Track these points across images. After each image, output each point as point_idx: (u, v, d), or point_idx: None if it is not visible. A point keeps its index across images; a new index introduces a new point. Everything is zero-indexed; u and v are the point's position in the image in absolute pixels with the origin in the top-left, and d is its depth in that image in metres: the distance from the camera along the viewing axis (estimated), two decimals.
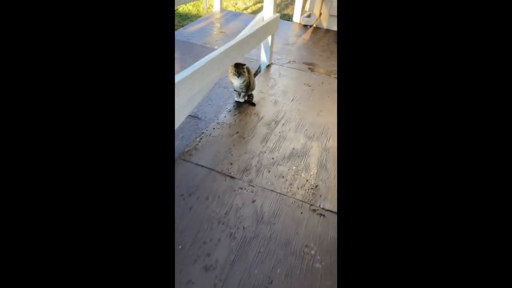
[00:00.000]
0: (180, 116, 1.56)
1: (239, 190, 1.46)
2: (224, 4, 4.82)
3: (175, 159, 1.61)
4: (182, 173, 1.52)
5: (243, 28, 2.45)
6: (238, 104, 2.08)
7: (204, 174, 1.53)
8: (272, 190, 1.47)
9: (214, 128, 1.85)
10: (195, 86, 1.53)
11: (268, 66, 2.63)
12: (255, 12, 4.78)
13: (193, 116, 2.10)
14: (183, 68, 1.52)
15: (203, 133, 1.81)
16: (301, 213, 1.38)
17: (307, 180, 1.54)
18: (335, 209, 1.41)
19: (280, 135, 1.83)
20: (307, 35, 3.39)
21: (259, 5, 5.13)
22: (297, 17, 3.66)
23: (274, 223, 1.32)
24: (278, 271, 1.15)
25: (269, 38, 2.48)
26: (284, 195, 1.45)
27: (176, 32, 3.29)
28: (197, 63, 1.57)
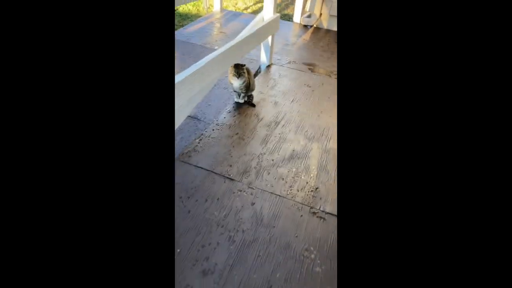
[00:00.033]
0: (179, 117, 1.54)
1: (239, 193, 1.44)
2: (224, 4, 4.81)
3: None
4: (180, 175, 1.51)
5: (243, 28, 2.43)
6: (238, 105, 2.07)
7: (203, 176, 1.51)
8: (271, 193, 1.46)
9: (213, 129, 1.84)
10: (194, 87, 1.51)
11: (268, 66, 2.61)
12: (255, 12, 4.76)
13: (192, 117, 2.09)
14: (183, 68, 1.50)
15: (202, 134, 1.80)
16: (301, 216, 1.36)
17: (307, 182, 1.53)
18: (336, 212, 1.39)
19: (280, 137, 1.82)
20: (308, 35, 3.38)
21: (259, 5, 5.11)
22: (297, 17, 3.64)
23: (274, 226, 1.30)
24: (277, 275, 1.13)
25: (269, 38, 2.47)
26: (283, 197, 1.44)
27: (176, 32, 3.27)
28: (197, 63, 1.56)
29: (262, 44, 2.51)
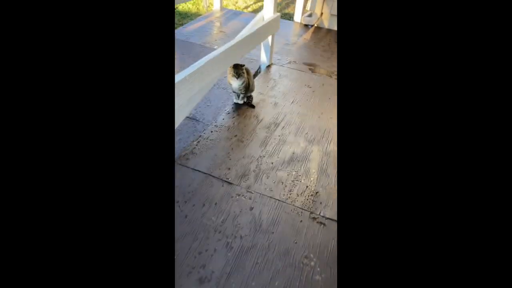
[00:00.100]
0: (178, 117, 1.51)
1: (237, 197, 1.41)
2: (224, 2, 4.76)
3: None
4: (178, 178, 1.47)
5: (243, 27, 2.39)
6: (237, 106, 2.03)
7: (201, 180, 1.48)
8: (270, 197, 1.42)
9: (212, 131, 1.80)
10: (194, 87, 1.48)
11: (268, 66, 2.57)
12: (255, 11, 4.72)
13: (191, 118, 2.05)
14: (182, 68, 1.47)
15: (200, 136, 1.76)
16: (301, 221, 1.33)
17: (307, 186, 1.49)
18: (336, 217, 1.36)
19: (279, 139, 1.78)
20: (308, 35, 3.34)
21: (259, 3, 5.07)
22: (298, 17, 3.60)
23: (273, 232, 1.27)
24: (276, 283, 1.10)
25: (270, 38, 2.43)
26: (283, 202, 1.41)
27: (175, 31, 3.24)
28: (196, 63, 1.54)
29: (262, 43, 2.47)
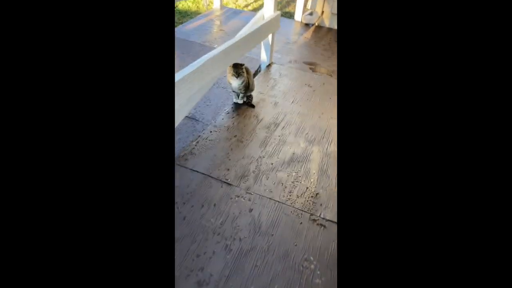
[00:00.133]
0: (177, 117, 1.49)
1: (236, 198, 1.39)
2: (224, 1, 4.74)
3: None
4: (176, 179, 1.46)
5: (243, 26, 2.37)
6: (237, 106, 2.01)
7: (200, 181, 1.46)
8: (270, 198, 1.40)
9: (211, 131, 1.78)
10: (193, 86, 1.46)
11: (269, 65, 2.55)
12: (256, 10, 4.69)
13: (190, 118, 2.04)
14: (182, 67, 1.45)
15: (199, 136, 1.75)
16: (301, 223, 1.31)
17: (307, 188, 1.48)
18: (336, 219, 1.34)
19: (279, 139, 1.76)
20: (309, 33, 3.31)
21: (260, 2, 5.04)
22: (298, 15, 3.57)
23: (272, 234, 1.25)
24: (275, 286, 1.08)
25: (270, 36, 2.41)
26: (283, 203, 1.39)
27: (175, 29, 3.21)
28: (196, 62, 1.52)
29: (262, 42, 2.45)
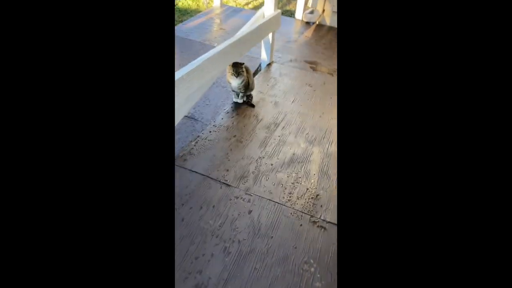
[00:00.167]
0: (177, 116, 1.48)
1: (235, 199, 1.37)
2: None
3: None
4: (175, 180, 1.44)
5: (243, 24, 2.34)
6: (237, 105, 1.99)
7: (199, 182, 1.44)
8: (270, 200, 1.39)
9: (210, 131, 1.76)
10: (193, 85, 1.45)
11: (269, 64, 2.53)
12: (256, 8, 4.66)
13: (189, 117, 2.02)
14: (181, 65, 1.44)
15: (199, 136, 1.73)
16: (301, 225, 1.29)
17: (308, 189, 1.46)
18: (336, 221, 1.33)
19: (279, 139, 1.74)
20: (310, 32, 3.29)
21: (260, 0, 5.00)
22: (299, 14, 3.54)
23: (272, 236, 1.24)
24: None
25: (270, 35, 2.38)
26: (282, 205, 1.37)
27: (175, 28, 3.19)
28: (195, 60, 1.50)
29: (262, 41, 2.43)
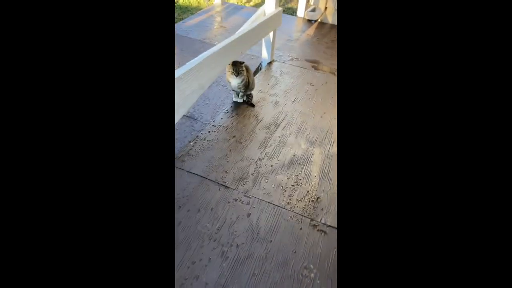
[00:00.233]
0: (176, 116, 1.44)
1: (234, 202, 1.34)
2: None
3: None
4: None
5: (244, 22, 2.30)
6: (236, 105, 1.96)
7: (197, 183, 1.41)
8: (269, 202, 1.36)
9: (209, 131, 1.73)
10: (192, 84, 1.42)
11: (270, 63, 2.49)
12: (257, 6, 4.61)
13: (188, 117, 1.99)
14: (181, 64, 1.41)
15: (197, 136, 1.70)
16: (301, 229, 1.26)
17: (308, 191, 1.43)
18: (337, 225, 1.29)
19: (280, 140, 1.71)
20: (311, 30, 3.24)
21: None
22: (301, 11, 3.50)
23: (271, 241, 1.21)
24: None
25: (271, 33, 2.34)
26: (282, 208, 1.34)
27: (175, 26, 3.15)
28: (195, 59, 1.47)
29: (263, 39, 2.39)
